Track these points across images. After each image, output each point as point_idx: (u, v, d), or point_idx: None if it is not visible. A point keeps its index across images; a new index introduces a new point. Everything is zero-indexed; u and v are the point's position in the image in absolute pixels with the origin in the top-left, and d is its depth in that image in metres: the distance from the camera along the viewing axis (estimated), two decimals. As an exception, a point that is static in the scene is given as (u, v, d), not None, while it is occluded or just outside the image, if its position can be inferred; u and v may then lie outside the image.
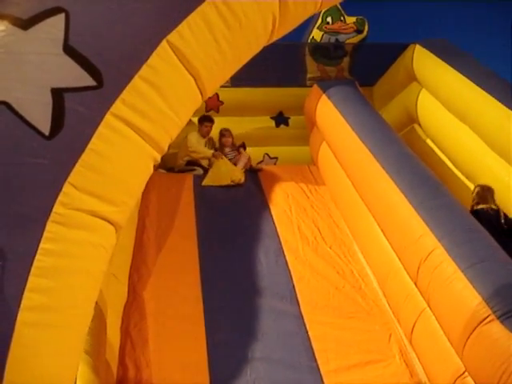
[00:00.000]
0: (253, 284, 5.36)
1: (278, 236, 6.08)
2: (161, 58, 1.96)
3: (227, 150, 7.61)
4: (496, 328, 3.61)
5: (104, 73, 1.85)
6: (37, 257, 1.79)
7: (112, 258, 4.60)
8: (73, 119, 1.82)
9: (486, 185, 5.67)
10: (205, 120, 7.85)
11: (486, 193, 5.58)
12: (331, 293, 5.30)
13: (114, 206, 1.97)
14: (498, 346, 3.54)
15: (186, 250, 5.78)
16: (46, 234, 1.80)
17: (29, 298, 1.81)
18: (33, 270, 1.82)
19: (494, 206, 5.47)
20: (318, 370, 4.46)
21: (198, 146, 7.67)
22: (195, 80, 2.16)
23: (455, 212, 4.72)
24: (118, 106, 1.92)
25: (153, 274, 5.42)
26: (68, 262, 1.81)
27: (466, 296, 3.91)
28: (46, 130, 1.79)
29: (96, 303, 3.83)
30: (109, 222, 1.96)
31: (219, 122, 7.83)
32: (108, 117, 1.90)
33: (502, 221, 5.27)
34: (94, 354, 3.50)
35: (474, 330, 3.74)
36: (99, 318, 3.85)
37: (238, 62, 2.34)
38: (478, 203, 5.52)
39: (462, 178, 6.40)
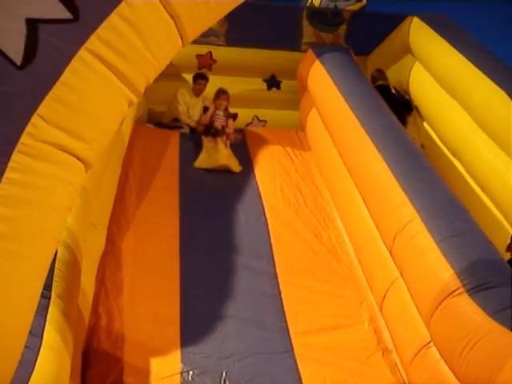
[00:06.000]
0: (231, 242, 5.40)
1: (260, 196, 6.10)
2: None
3: (219, 112, 7.34)
4: (464, 301, 3.67)
5: (81, 6, 1.83)
6: (0, 185, 1.79)
7: (91, 207, 4.68)
8: (46, 51, 1.80)
9: (378, 68, 7.56)
10: (198, 77, 7.65)
11: (382, 73, 7.43)
12: (307, 256, 5.34)
13: (83, 142, 1.96)
14: (464, 319, 3.59)
15: (167, 205, 5.79)
16: (11, 164, 1.79)
17: None
18: None
19: (387, 83, 7.29)
20: (287, 330, 4.51)
21: (182, 111, 7.53)
22: (175, 23, 2.13)
23: (435, 185, 4.76)
24: (92, 42, 1.90)
25: (132, 225, 5.44)
26: (32, 194, 1.80)
27: (437, 268, 3.96)
28: (18, 60, 1.77)
29: (71, 249, 3.89)
30: (78, 158, 1.95)
31: (211, 81, 7.73)
32: (82, 51, 1.88)
33: (393, 91, 7.16)
34: (66, 297, 3.51)
35: (442, 302, 3.79)
36: (73, 263, 3.85)
37: (221, 10, 2.30)
38: (377, 80, 7.28)
39: (447, 153, 6.41)
